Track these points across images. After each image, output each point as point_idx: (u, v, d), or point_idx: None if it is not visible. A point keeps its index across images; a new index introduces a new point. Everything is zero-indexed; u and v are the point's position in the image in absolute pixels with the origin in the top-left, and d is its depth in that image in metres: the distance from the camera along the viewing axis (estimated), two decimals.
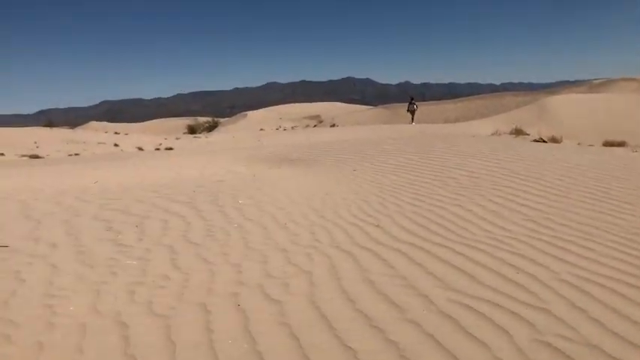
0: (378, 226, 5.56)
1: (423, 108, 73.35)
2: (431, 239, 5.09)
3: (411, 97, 39.32)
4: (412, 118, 37.52)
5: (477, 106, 63.96)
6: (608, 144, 25.91)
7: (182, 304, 3.73)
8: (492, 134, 27.43)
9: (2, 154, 38.90)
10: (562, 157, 9.23)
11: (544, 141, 24.36)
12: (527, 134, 26.99)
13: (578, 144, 22.64)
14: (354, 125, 57.02)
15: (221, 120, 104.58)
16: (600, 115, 37.28)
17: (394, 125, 37.51)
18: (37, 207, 6.65)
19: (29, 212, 6.33)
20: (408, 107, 37.72)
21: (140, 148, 53.46)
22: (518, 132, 26.88)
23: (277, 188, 7.83)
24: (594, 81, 57.97)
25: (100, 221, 5.93)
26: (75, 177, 10.69)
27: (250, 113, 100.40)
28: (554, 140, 25.80)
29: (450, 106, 68.25)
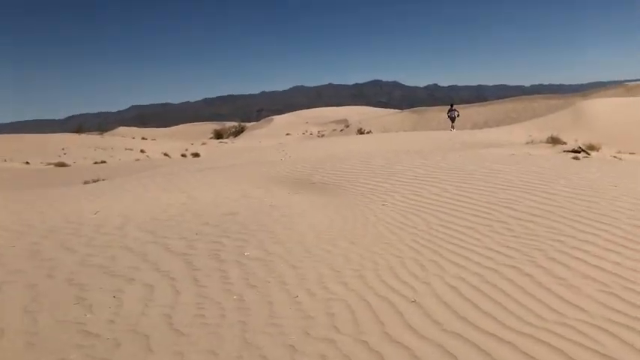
0: (414, 301, 4.32)
1: None
2: (485, 326, 3.83)
3: (451, 103, 38.86)
4: (452, 125, 37.02)
5: (507, 110, 62.00)
6: None
7: None
8: (527, 143, 25.84)
9: (27, 163, 38.76)
10: (627, 188, 7.80)
11: (584, 151, 22.70)
12: (564, 143, 25.31)
13: (615, 155, 20.97)
14: (382, 132, 55.64)
15: (247, 125, 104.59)
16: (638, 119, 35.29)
17: (423, 132, 36.13)
18: (9, 260, 5.61)
19: None
20: (448, 113, 37.27)
21: (166, 154, 53.12)
22: (554, 141, 25.21)
23: (293, 229, 6.64)
24: (629, 83, 55.48)
25: (73, 286, 4.83)
26: (77, 202, 9.73)
27: (277, 118, 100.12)
28: (591, 148, 24.11)
29: (478, 110, 66.44)
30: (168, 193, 10.73)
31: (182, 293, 4.62)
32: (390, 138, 29.96)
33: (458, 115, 37.16)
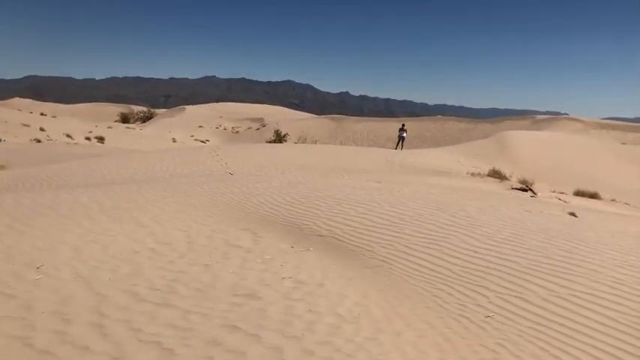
0: None
1: (366, 124, 71.73)
2: None
3: (402, 124, 38.50)
4: (399, 144, 36.63)
5: (420, 128, 62.78)
6: (581, 194, 24.07)
7: None
8: (472, 174, 24.88)
9: None
10: None
11: (531, 190, 22.00)
12: (508, 179, 24.65)
13: (560, 198, 20.48)
14: (300, 135, 53.42)
15: (157, 111, 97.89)
16: (558, 155, 36.36)
17: (358, 148, 34.57)
18: None
19: None
20: (399, 132, 36.02)
21: (69, 136, 47.02)
22: (499, 176, 24.50)
23: None
24: (536, 116, 58.29)
25: None
26: (2, 237, 6.45)
27: (189, 108, 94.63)
28: (524, 183, 23.60)
29: (392, 124, 66.69)
30: (124, 226, 7.70)
31: None
32: (323, 151, 27.95)
33: (405, 136, 36.71)
